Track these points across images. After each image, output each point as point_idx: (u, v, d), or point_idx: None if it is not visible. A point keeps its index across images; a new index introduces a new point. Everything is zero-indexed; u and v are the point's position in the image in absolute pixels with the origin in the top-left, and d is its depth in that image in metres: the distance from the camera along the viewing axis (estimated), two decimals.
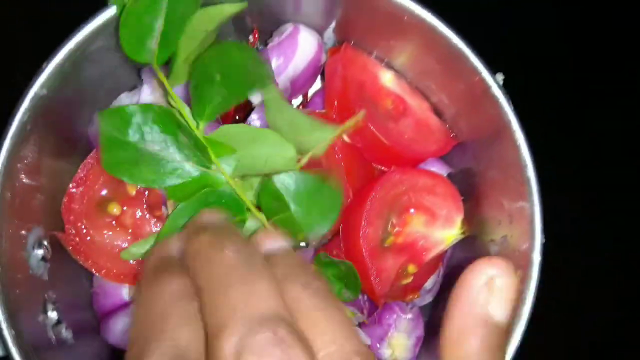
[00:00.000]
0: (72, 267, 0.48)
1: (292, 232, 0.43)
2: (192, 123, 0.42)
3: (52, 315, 0.44)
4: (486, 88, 0.44)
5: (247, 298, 0.25)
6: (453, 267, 0.56)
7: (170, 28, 0.40)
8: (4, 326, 0.39)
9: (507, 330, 0.28)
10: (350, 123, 0.44)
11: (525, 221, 0.44)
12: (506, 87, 0.44)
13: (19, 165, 0.41)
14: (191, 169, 0.42)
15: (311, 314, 0.26)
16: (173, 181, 0.41)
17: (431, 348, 0.53)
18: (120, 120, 0.40)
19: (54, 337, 0.44)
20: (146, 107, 0.40)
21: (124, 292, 0.50)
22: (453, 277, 0.55)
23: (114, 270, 0.48)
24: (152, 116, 0.40)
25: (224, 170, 0.42)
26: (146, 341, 0.25)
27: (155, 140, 0.40)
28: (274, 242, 0.32)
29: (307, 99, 0.57)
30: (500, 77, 0.44)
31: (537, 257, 0.42)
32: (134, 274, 0.48)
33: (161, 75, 0.41)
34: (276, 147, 0.45)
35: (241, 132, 0.45)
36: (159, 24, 0.40)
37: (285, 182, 0.42)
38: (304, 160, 0.45)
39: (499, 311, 0.27)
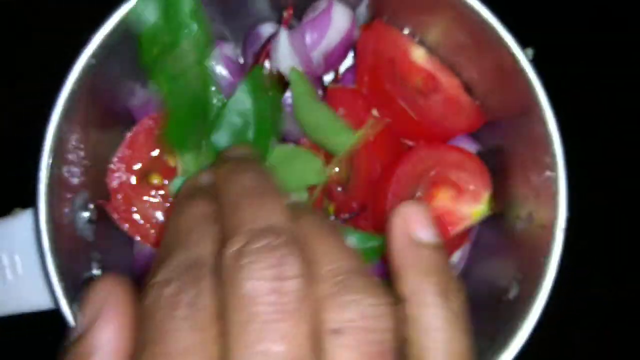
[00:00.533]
0: (115, 232, 0.51)
1: None
2: None
3: (97, 272, 0.48)
4: (515, 63, 0.44)
5: (256, 211, 0.27)
6: (481, 244, 0.56)
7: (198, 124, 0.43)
8: (55, 281, 0.42)
9: (442, 248, 0.30)
10: (365, 129, 0.46)
11: (550, 196, 0.44)
12: (536, 63, 0.44)
13: (67, 132, 0.44)
14: None
15: (318, 238, 0.28)
16: None
17: None
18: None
19: None
20: None
21: None
22: (480, 254, 0.57)
23: (155, 237, 0.51)
24: None
25: None
26: (168, 251, 0.28)
27: None
28: None
29: (338, 75, 0.58)
30: (530, 52, 0.44)
31: (560, 232, 0.43)
32: None
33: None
34: (308, 162, 0.47)
35: (278, 153, 0.47)
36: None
37: None
38: (332, 168, 0.47)
39: (425, 234, 0.30)
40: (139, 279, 0.54)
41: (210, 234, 0.28)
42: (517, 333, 0.43)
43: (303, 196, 0.47)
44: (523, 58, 0.43)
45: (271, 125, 0.45)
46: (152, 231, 0.51)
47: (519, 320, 0.43)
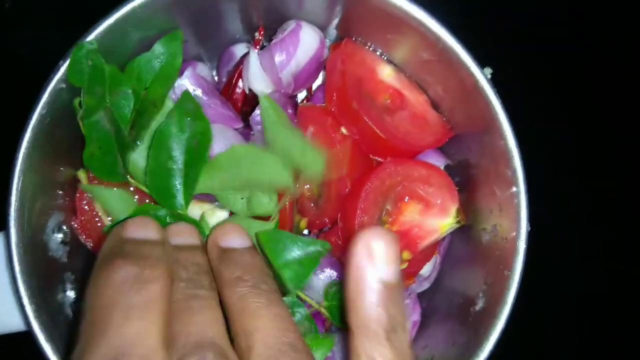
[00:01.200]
0: (89, 252, 0.52)
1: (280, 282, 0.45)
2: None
3: (70, 294, 0.48)
4: (475, 82, 0.45)
5: (188, 326, 0.28)
6: (452, 256, 0.58)
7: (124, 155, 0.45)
8: (26, 302, 0.43)
9: (398, 286, 0.30)
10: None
11: (512, 209, 0.45)
12: (495, 81, 0.45)
13: (39, 153, 0.45)
14: None
15: (255, 312, 0.29)
16: None
17: (428, 332, 0.55)
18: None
19: (71, 314, 0.47)
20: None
21: None
22: (451, 266, 0.58)
23: None
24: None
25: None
26: (88, 336, 0.26)
27: None
28: (232, 240, 0.35)
29: (311, 93, 0.60)
30: (488, 71, 0.45)
31: (522, 245, 0.44)
32: None
33: (136, 183, 0.46)
34: (276, 172, 0.48)
35: (248, 154, 0.48)
36: (118, 157, 0.44)
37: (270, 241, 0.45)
38: (299, 189, 0.48)
39: (384, 271, 0.29)
40: None
41: (135, 311, 0.26)
42: (484, 344, 0.44)
43: (273, 198, 0.47)
44: (482, 77, 0.45)
45: (200, 153, 0.46)
46: None
47: (485, 330, 0.44)
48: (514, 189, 0.45)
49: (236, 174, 0.46)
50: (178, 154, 0.44)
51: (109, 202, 0.47)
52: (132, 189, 0.48)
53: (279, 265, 0.44)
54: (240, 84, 0.58)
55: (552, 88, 0.68)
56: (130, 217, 0.45)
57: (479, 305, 0.47)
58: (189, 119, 0.45)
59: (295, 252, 0.44)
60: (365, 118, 0.49)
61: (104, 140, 0.44)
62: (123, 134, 0.44)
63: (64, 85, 0.43)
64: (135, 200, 0.48)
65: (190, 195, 0.45)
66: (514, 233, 0.45)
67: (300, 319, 0.49)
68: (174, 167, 0.44)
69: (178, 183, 0.44)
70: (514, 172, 0.45)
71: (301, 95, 0.60)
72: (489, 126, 0.47)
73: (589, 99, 0.69)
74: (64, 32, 0.44)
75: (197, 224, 0.45)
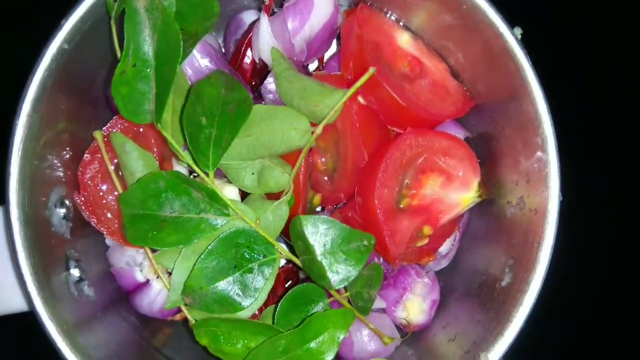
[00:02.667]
0: (94, 230, 0.49)
1: (316, 275, 0.45)
2: (203, 175, 0.44)
3: (74, 272, 0.46)
4: (504, 44, 0.43)
5: None
6: (471, 234, 0.55)
7: (161, 90, 0.42)
8: (28, 280, 0.40)
9: None
10: (361, 81, 0.44)
11: (542, 180, 0.43)
12: (525, 42, 0.43)
13: (40, 125, 0.42)
14: (212, 220, 0.44)
15: None
16: (198, 235, 0.44)
17: (447, 312, 0.53)
18: (137, 197, 0.43)
19: (76, 293, 0.45)
20: (155, 176, 0.43)
21: (137, 274, 0.50)
22: (470, 243, 0.56)
23: (120, 233, 0.48)
24: (163, 183, 0.43)
25: (243, 213, 0.44)
26: None
27: (171, 204, 0.43)
28: None
29: (323, 64, 0.57)
30: (518, 31, 0.43)
31: (553, 216, 0.42)
32: None
33: (166, 134, 0.43)
34: (291, 120, 0.46)
35: (256, 111, 0.46)
36: (151, 87, 0.42)
37: (313, 225, 0.44)
38: (318, 130, 0.45)
39: None
40: (124, 293, 0.52)
41: None
42: (512, 320, 0.42)
43: (286, 170, 0.45)
44: (511, 38, 0.43)
45: (235, 120, 0.43)
46: (118, 225, 0.49)
47: (513, 307, 0.42)
48: (544, 157, 0.43)
49: (259, 135, 0.43)
50: (211, 114, 0.42)
51: (130, 158, 0.44)
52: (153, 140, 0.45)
53: (321, 255, 0.42)
54: (249, 53, 0.55)
55: (586, 47, 0.64)
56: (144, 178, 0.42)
57: (505, 281, 0.45)
58: (223, 85, 0.42)
59: (340, 244, 0.42)
60: (385, 85, 0.46)
61: (140, 53, 0.41)
62: (167, 47, 0.41)
63: (66, 46, 0.40)
64: (157, 165, 0.46)
65: (218, 158, 0.42)
66: (544, 204, 0.43)
67: (320, 309, 0.47)
68: (206, 127, 0.41)
69: (208, 142, 0.42)
70: (544, 140, 0.43)
71: (312, 67, 0.58)
72: (517, 92, 0.44)
73: (632, 59, 0.64)
74: None
75: (217, 194, 0.43)
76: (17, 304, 0.43)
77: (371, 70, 0.42)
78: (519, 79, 0.43)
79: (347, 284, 0.44)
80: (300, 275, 0.57)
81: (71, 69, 0.43)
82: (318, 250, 0.43)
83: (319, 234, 0.43)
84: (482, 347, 0.43)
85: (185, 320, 0.54)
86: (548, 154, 0.43)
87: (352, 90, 0.42)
